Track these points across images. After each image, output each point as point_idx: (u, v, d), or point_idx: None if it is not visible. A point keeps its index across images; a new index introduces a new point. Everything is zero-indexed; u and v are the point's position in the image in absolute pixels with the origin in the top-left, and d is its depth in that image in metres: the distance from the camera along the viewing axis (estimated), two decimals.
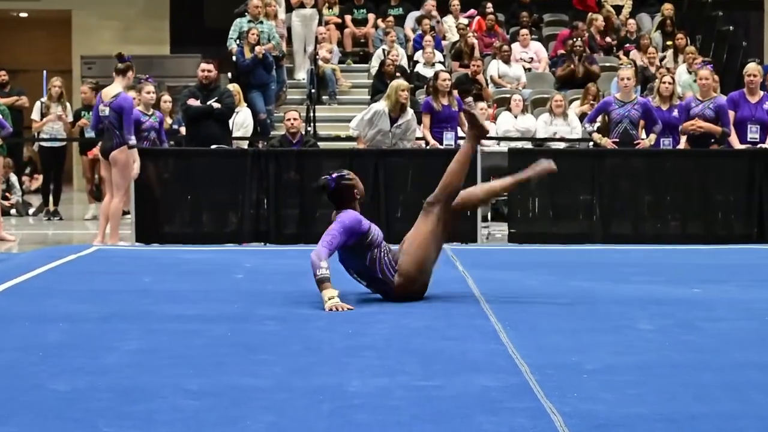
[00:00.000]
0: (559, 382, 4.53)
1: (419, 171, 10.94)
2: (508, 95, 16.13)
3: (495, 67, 17.33)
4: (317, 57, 17.70)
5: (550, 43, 18.91)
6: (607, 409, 4.13)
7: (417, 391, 4.41)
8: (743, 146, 11.60)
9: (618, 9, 19.45)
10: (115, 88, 10.84)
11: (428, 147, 12.01)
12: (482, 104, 15.30)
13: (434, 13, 19.03)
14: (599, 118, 12.17)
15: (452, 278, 7.64)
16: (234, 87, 13.97)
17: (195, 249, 10.41)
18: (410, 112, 11.90)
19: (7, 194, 15.68)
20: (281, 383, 4.54)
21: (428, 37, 17.58)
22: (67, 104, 15.55)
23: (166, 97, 14.31)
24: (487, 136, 13.95)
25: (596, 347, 5.33)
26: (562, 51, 17.89)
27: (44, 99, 15.46)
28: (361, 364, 4.91)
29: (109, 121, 10.80)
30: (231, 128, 13.26)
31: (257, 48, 15.88)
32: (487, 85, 16.89)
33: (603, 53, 18.24)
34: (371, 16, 19.15)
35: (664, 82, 12.25)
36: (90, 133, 15.04)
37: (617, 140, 11.67)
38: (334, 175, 6.78)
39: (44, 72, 21.67)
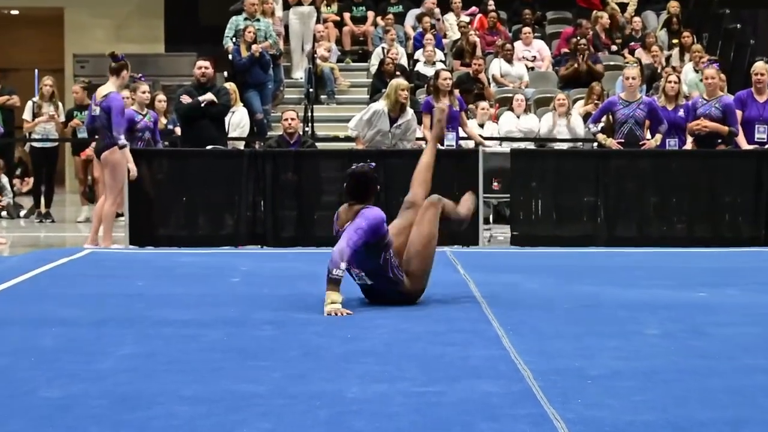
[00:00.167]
0: (562, 388, 4.53)
1: None
2: (510, 95, 16.13)
3: (497, 65, 17.33)
4: (315, 55, 17.70)
5: (554, 42, 18.92)
6: (612, 416, 4.13)
7: (417, 397, 4.41)
8: (751, 147, 11.61)
9: (623, 6, 19.46)
10: (108, 87, 10.84)
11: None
12: (484, 104, 15.31)
13: (435, 10, 19.04)
14: (603, 118, 12.17)
15: (453, 281, 7.64)
16: (230, 86, 13.97)
17: (190, 252, 10.41)
18: (410, 111, 11.91)
19: None
20: (278, 389, 4.55)
21: (429, 36, 17.59)
22: (59, 104, 15.55)
23: (161, 97, 14.31)
24: (489, 136, 14.00)
25: (601, 352, 5.33)
26: (566, 49, 17.90)
27: (36, 98, 15.46)
28: (360, 370, 4.91)
29: (100, 122, 10.81)
30: (227, 128, 13.26)
31: (254, 46, 15.88)
32: (489, 84, 16.89)
33: (608, 52, 18.25)
34: (370, 14, 19.16)
35: (670, 82, 12.25)
36: (82, 134, 15.06)
37: (622, 141, 11.67)
38: (372, 164, 6.91)
39: (36, 71, 21.68)
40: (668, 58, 17.64)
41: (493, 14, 18.75)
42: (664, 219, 11.41)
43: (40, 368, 4.96)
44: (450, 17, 19.14)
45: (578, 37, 17.38)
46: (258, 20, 16.49)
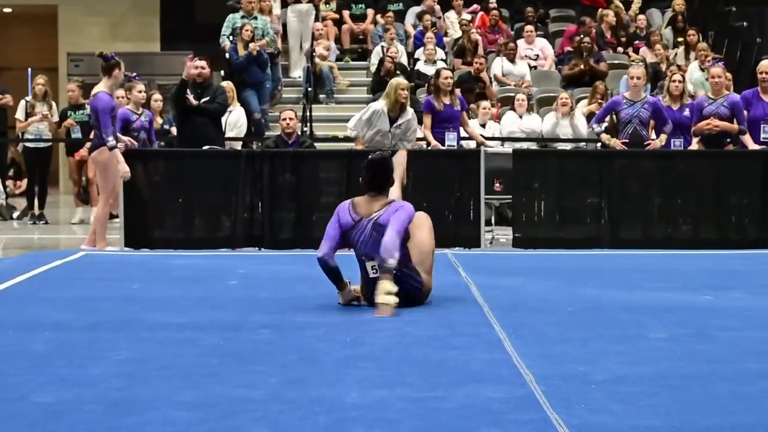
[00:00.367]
0: (566, 393, 4.53)
1: (420, 173, 10.92)
2: (512, 94, 16.13)
3: (499, 64, 17.34)
4: (314, 54, 17.70)
5: (557, 40, 18.92)
6: (617, 421, 4.13)
7: (418, 402, 4.41)
8: (756, 146, 11.60)
9: (627, 4, 19.47)
10: (99, 87, 10.84)
11: (429, 148, 12.01)
12: (486, 103, 15.31)
13: (436, 8, 19.05)
14: (607, 118, 12.17)
15: (455, 284, 7.63)
16: (228, 85, 13.97)
17: (186, 254, 10.40)
18: (410, 111, 11.89)
19: None
20: (276, 394, 4.54)
21: (429, 34, 17.59)
22: (53, 103, 15.54)
23: (157, 96, 14.30)
24: (491, 136, 13.99)
25: (605, 356, 5.32)
26: (569, 48, 17.90)
27: (29, 98, 15.45)
28: (359, 375, 4.91)
29: (91, 122, 10.82)
30: (224, 128, 13.25)
31: (251, 45, 15.88)
32: (491, 83, 16.89)
33: (611, 50, 18.25)
34: (370, 12, 19.16)
35: (674, 81, 12.25)
36: (76, 134, 15.05)
37: (626, 141, 11.66)
38: (389, 151, 7.25)
39: (29, 70, 21.68)
40: (673, 57, 17.64)
41: (495, 12, 18.76)
42: (669, 220, 11.40)
43: (32, 373, 4.95)
44: (451, 15, 19.15)
45: (581, 36, 17.38)
46: (255, 18, 16.49)
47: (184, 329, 6.08)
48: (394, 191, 7.29)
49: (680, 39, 18.12)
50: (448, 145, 11.89)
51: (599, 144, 12.57)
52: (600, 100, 14.99)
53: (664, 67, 16.77)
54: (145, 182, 11.35)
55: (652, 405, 4.37)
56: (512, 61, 17.35)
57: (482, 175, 11.32)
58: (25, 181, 16.53)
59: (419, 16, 18.74)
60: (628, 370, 4.99)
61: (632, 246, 11.01)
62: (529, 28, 18.20)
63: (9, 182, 18.09)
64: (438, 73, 12.33)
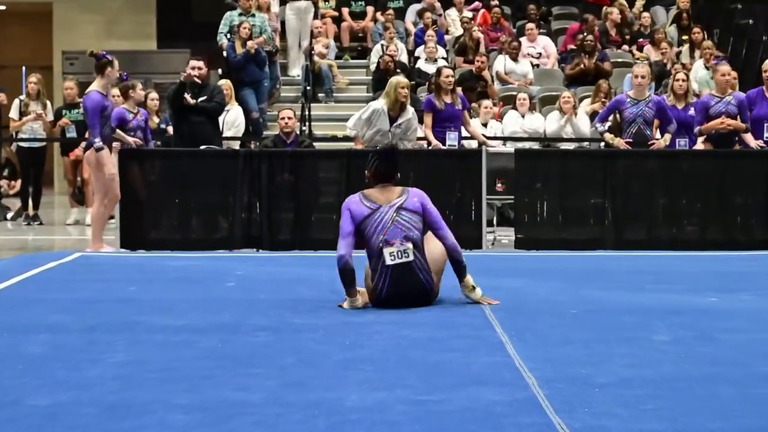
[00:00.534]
0: (569, 397, 4.53)
1: (421, 173, 10.93)
2: (514, 93, 16.12)
3: (501, 62, 17.34)
4: (313, 52, 17.71)
5: (560, 38, 18.92)
6: (621, 425, 4.13)
7: (418, 405, 4.41)
8: (755, 143, 11.60)
9: (631, 2, 19.46)
10: (92, 86, 10.85)
11: (430, 147, 12.01)
12: (487, 102, 15.31)
13: (436, 5, 19.05)
14: (611, 117, 12.17)
15: (455, 286, 7.63)
16: (225, 83, 13.97)
17: (183, 255, 10.41)
18: (411, 110, 11.90)
19: None
20: (274, 398, 4.54)
21: (430, 32, 17.59)
22: (47, 102, 15.53)
23: (153, 95, 14.30)
24: (492, 136, 14.00)
25: (608, 359, 5.33)
26: (572, 46, 17.90)
27: (23, 97, 15.45)
28: (358, 378, 4.91)
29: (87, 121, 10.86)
30: (221, 128, 13.26)
31: (249, 43, 15.89)
32: (493, 82, 16.89)
33: (615, 48, 18.25)
34: (370, 9, 19.17)
35: (678, 80, 12.26)
36: (71, 133, 15.05)
37: (630, 140, 11.66)
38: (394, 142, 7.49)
39: (23, 68, 21.68)
40: (678, 55, 17.64)
41: (497, 9, 18.76)
42: (673, 221, 11.41)
43: (27, 376, 4.96)
44: (452, 12, 19.15)
45: (585, 34, 17.38)
46: (253, 15, 16.49)
47: (181, 332, 6.08)
48: None
49: (685, 37, 18.11)
50: (449, 145, 11.89)
51: (603, 143, 12.58)
52: (603, 99, 15.00)
53: (668, 65, 16.77)
54: (141, 182, 11.36)
55: (656, 408, 4.38)
56: (515, 59, 17.35)
57: (484, 175, 11.32)
58: (19, 182, 16.54)
59: (420, 14, 18.74)
60: (632, 373, 5.00)
61: (636, 247, 11.01)
62: (530, 26, 18.20)
63: (3, 182, 18.14)
64: (439, 71, 12.32)
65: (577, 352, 5.50)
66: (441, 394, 4.60)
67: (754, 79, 15.53)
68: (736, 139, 11.78)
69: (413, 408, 4.37)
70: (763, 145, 11.61)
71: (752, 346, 5.74)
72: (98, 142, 10.59)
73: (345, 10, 19.16)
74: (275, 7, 18.17)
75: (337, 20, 19.15)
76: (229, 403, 4.45)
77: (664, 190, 11.41)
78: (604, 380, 4.85)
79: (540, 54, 18.02)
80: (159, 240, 11.28)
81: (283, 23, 18.31)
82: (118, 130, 11.43)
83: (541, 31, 18.76)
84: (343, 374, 4.99)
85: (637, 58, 16.97)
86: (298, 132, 12.88)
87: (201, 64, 12.28)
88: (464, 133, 12.47)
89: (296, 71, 18.30)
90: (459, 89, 12.92)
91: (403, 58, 17.62)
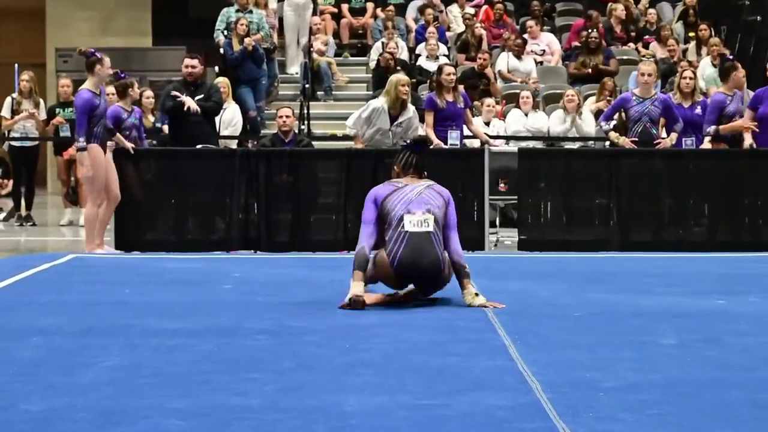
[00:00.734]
0: (573, 401, 4.53)
1: None
2: (518, 91, 16.12)
3: (505, 60, 17.33)
4: (311, 49, 17.71)
5: (564, 35, 18.92)
6: (626, 430, 4.13)
7: (419, 410, 4.41)
8: (750, 141, 11.65)
9: None
10: (84, 84, 10.87)
11: (431, 147, 12.01)
12: (490, 100, 15.31)
13: (437, 2, 19.04)
14: (616, 116, 12.17)
15: (457, 288, 7.63)
16: (223, 81, 13.97)
17: (179, 257, 10.41)
18: (411, 109, 11.90)
19: None
20: (272, 403, 4.54)
21: (431, 28, 17.60)
22: (40, 100, 15.53)
23: (148, 93, 14.30)
24: (495, 135, 14.00)
25: (613, 363, 5.33)
26: (577, 43, 17.90)
27: (15, 95, 15.44)
28: (358, 382, 4.91)
29: None
30: (218, 127, 13.25)
31: (246, 40, 15.89)
32: (496, 79, 16.90)
33: (620, 45, 18.25)
34: (370, 6, 19.17)
35: (685, 77, 12.27)
36: (65, 132, 15.04)
37: (636, 139, 11.67)
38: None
39: (16, 66, 21.67)
40: (684, 52, 17.65)
41: (500, 6, 18.76)
42: (680, 222, 11.42)
43: (19, 380, 4.96)
44: (454, 9, 19.16)
45: (589, 30, 17.37)
46: (251, 12, 16.50)
47: (176, 335, 6.08)
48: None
49: (691, 34, 18.12)
50: (451, 144, 11.89)
51: (608, 143, 12.58)
52: (608, 97, 15.00)
53: (675, 62, 16.77)
54: (137, 182, 11.36)
55: (662, 413, 4.38)
56: (519, 56, 17.34)
57: (486, 175, 11.33)
58: (11, 182, 16.53)
59: (421, 10, 18.75)
60: (637, 378, 5.00)
61: (642, 249, 11.02)
62: (531, 23, 18.18)
63: None
64: (440, 69, 12.33)
65: (582, 356, 5.50)
66: (442, 398, 4.60)
67: (761, 77, 15.54)
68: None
69: (414, 413, 4.37)
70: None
71: (760, 349, 5.74)
72: (81, 141, 10.59)
73: (344, 7, 19.16)
74: (273, 4, 18.18)
75: (337, 17, 19.15)
76: (226, 408, 4.45)
77: (670, 191, 11.42)
78: (609, 384, 4.85)
79: (543, 51, 18.02)
80: (155, 241, 11.28)
81: (281, 20, 18.32)
82: (118, 134, 11.41)
83: (545, 27, 18.76)
84: (343, 378, 4.99)
85: (643, 56, 16.98)
86: (296, 131, 12.89)
87: (196, 62, 12.27)
88: (466, 132, 12.47)
89: (295, 69, 18.31)
90: (461, 87, 12.93)
91: (404, 55, 17.62)
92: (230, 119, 14.09)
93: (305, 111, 16.37)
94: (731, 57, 13.36)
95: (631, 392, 4.72)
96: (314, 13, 18.55)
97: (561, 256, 10.68)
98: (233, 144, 14.23)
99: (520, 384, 4.87)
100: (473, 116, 13.35)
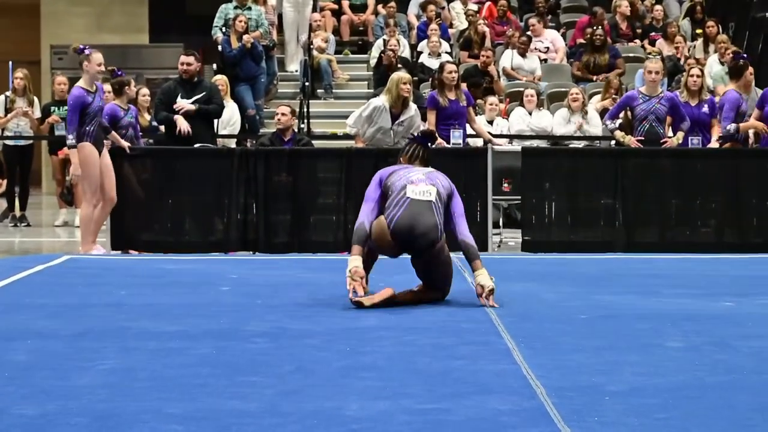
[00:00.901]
0: (578, 406, 4.53)
1: None
2: (522, 89, 16.12)
3: (509, 57, 17.33)
4: (311, 47, 17.71)
5: (568, 32, 18.92)
6: None
7: (421, 415, 4.41)
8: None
9: None
10: (78, 82, 10.88)
11: (433, 146, 12.00)
12: (493, 99, 15.31)
13: None
14: (622, 114, 12.17)
15: (461, 291, 7.63)
16: (221, 78, 13.97)
17: (176, 258, 10.41)
18: (413, 107, 11.90)
19: None
20: (271, 407, 4.54)
21: (433, 25, 17.61)
22: (35, 98, 15.52)
23: (144, 91, 14.30)
24: (499, 133, 14.00)
25: (619, 367, 5.33)
26: (581, 40, 17.90)
27: (9, 93, 15.44)
28: (359, 386, 4.91)
29: None
30: (216, 126, 13.25)
31: (245, 37, 15.90)
32: (499, 77, 16.89)
33: (626, 42, 18.25)
34: (371, 2, 19.18)
35: (692, 75, 12.27)
36: (60, 131, 15.04)
37: (642, 138, 11.67)
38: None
39: (10, 63, 21.68)
40: (691, 50, 17.64)
41: (503, 2, 18.77)
42: (687, 223, 11.42)
43: (13, 384, 4.95)
44: (456, 5, 19.16)
45: (594, 27, 17.37)
46: (249, 8, 16.50)
47: (174, 338, 6.08)
48: None
49: (699, 31, 18.12)
50: (454, 143, 11.89)
51: (613, 142, 12.58)
52: (614, 96, 15.00)
53: (682, 60, 16.78)
54: (137, 182, 11.36)
55: (668, 418, 4.38)
56: (523, 54, 17.34)
57: (489, 175, 11.33)
58: (5, 182, 16.53)
59: (423, 7, 18.75)
60: (644, 382, 5.00)
61: (648, 250, 11.02)
62: (533, 21, 18.17)
63: None
64: (441, 67, 12.33)
65: (587, 360, 5.50)
66: (445, 403, 4.60)
67: None
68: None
69: (416, 418, 4.37)
70: None
71: None
72: (71, 139, 10.61)
73: (345, 3, 19.17)
74: (272, 0, 18.18)
75: (337, 13, 19.15)
76: (224, 412, 4.45)
77: (677, 191, 11.41)
78: (614, 389, 4.85)
79: (548, 48, 18.02)
80: (151, 242, 11.28)
81: (280, 16, 18.33)
82: (113, 132, 11.41)
83: (550, 24, 18.76)
84: (344, 382, 4.99)
85: (649, 53, 16.99)
86: (296, 130, 12.88)
87: (192, 59, 12.23)
88: (469, 131, 12.47)
89: (294, 66, 18.31)
90: (464, 85, 12.93)
91: (406, 52, 17.62)
92: (228, 118, 14.10)
93: (305, 109, 16.37)
94: (745, 56, 13.35)
95: (637, 396, 4.72)
96: (314, 10, 18.56)
97: (566, 257, 10.68)
98: (231, 143, 14.24)
99: (524, 388, 4.86)
100: (476, 115, 13.36)
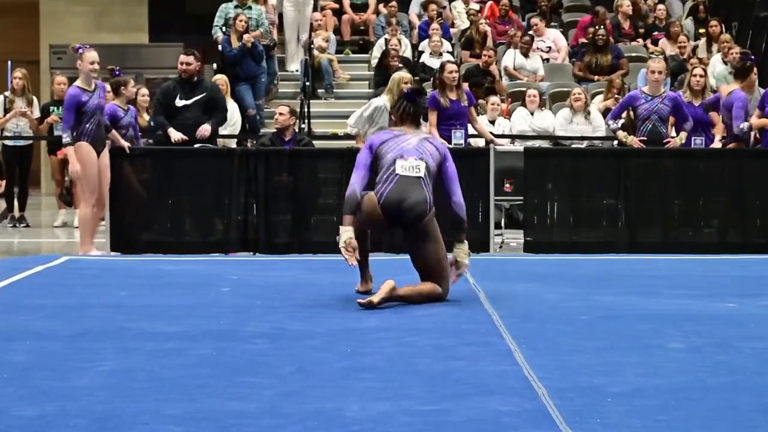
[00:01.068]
0: (579, 407, 4.53)
1: None
2: (524, 89, 16.11)
3: (511, 57, 17.33)
4: (312, 46, 17.71)
5: (570, 31, 18.92)
6: None
7: (422, 416, 4.41)
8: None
9: None
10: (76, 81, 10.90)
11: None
12: (495, 98, 15.31)
13: None
14: (624, 114, 12.17)
15: (462, 291, 7.64)
16: (221, 78, 13.97)
17: (176, 259, 10.41)
18: None
19: None
20: (271, 408, 4.55)
21: (435, 25, 17.60)
22: (34, 98, 15.52)
23: (144, 91, 14.31)
24: (500, 134, 13.99)
25: (621, 368, 5.33)
26: (584, 39, 17.90)
27: (8, 93, 15.44)
28: (360, 387, 4.92)
29: None
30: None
31: (245, 36, 15.90)
32: (501, 77, 16.89)
33: (629, 42, 18.25)
34: (372, 1, 19.18)
35: (695, 75, 12.27)
36: (59, 131, 15.04)
37: (644, 138, 11.67)
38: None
39: (9, 63, 21.68)
40: (694, 49, 17.64)
41: (505, 1, 18.76)
42: (690, 224, 11.42)
43: (12, 385, 4.96)
44: (458, 5, 19.16)
45: (596, 27, 17.37)
46: (249, 8, 16.50)
47: (173, 339, 6.09)
48: None
49: (702, 30, 18.13)
50: (455, 144, 11.88)
51: (615, 142, 12.58)
52: (617, 95, 15.00)
53: (685, 59, 16.77)
54: (138, 182, 11.36)
55: (670, 419, 4.38)
56: (526, 54, 17.34)
57: (491, 175, 11.33)
58: (3, 182, 16.53)
59: (424, 6, 18.75)
60: (646, 383, 5.00)
61: (651, 250, 11.02)
62: (535, 21, 18.16)
63: None
64: (442, 66, 12.32)
65: (589, 361, 5.50)
66: (446, 404, 4.60)
67: None
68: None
69: (417, 419, 4.37)
70: None
71: None
72: (66, 137, 10.63)
73: (346, 2, 19.17)
74: None
75: (338, 12, 19.16)
76: (224, 413, 4.45)
77: (680, 191, 11.41)
78: (616, 390, 4.85)
79: (550, 48, 18.02)
80: (151, 243, 11.28)
81: (281, 16, 18.32)
82: (114, 131, 11.41)
83: (552, 24, 18.76)
84: (344, 383, 5.00)
85: (652, 53, 16.97)
86: (296, 130, 12.88)
87: (191, 59, 12.19)
88: (471, 131, 12.47)
89: (295, 66, 18.31)
90: (465, 85, 12.93)
91: (407, 52, 17.62)
92: (229, 118, 14.07)
93: (305, 109, 16.37)
94: (753, 57, 13.35)
95: (639, 398, 4.72)
96: (315, 9, 18.56)
97: (568, 258, 10.68)
98: (232, 143, 14.24)
99: (525, 389, 4.87)
100: (478, 115, 13.36)
